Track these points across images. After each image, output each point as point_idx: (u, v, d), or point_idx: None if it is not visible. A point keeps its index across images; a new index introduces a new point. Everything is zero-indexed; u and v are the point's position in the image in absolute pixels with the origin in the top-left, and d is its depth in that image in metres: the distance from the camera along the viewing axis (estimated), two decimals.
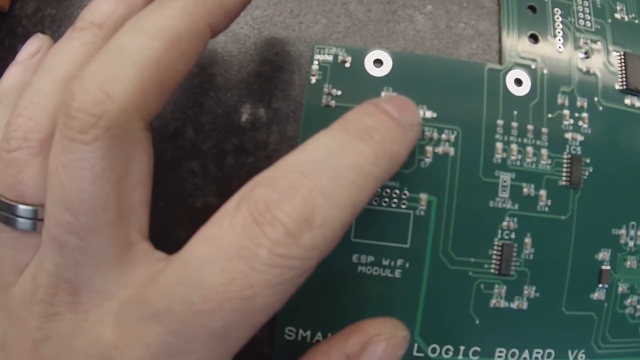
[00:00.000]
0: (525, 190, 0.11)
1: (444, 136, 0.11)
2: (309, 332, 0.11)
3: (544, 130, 0.12)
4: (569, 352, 0.12)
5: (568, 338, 0.12)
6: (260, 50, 0.12)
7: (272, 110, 0.11)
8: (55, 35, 0.13)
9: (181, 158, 0.12)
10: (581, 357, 0.12)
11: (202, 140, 0.12)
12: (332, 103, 0.11)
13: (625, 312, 0.12)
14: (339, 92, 0.11)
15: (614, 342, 0.12)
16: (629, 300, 0.12)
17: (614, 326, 0.12)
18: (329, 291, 0.11)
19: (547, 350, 0.12)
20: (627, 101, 0.12)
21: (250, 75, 0.12)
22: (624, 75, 0.12)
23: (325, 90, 0.11)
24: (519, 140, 0.11)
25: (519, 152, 0.11)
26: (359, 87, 0.11)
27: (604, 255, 0.12)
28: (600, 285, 0.12)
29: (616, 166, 0.12)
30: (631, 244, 0.12)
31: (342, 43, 0.12)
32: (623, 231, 0.12)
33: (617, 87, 0.12)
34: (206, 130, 0.11)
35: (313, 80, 0.11)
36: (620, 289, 0.12)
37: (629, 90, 0.12)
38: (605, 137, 0.12)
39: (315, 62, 0.11)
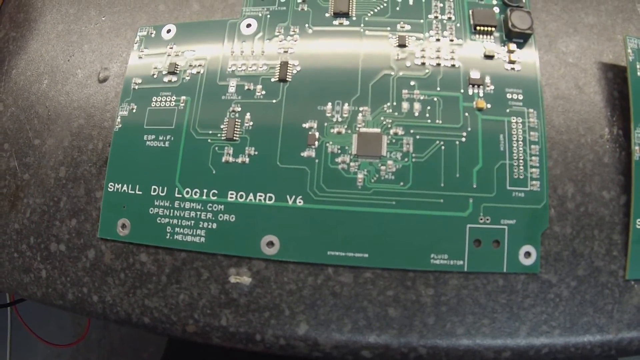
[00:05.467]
0: (246, 87, 0.17)
1: (195, 62, 0.17)
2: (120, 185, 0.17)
3: (264, 51, 0.17)
4: (287, 197, 0.15)
5: (285, 186, 0.16)
6: None
7: None
8: None
9: None
10: (299, 202, 0.15)
11: None
12: None
13: (338, 167, 0.15)
14: None
15: (329, 191, 0.15)
16: (340, 159, 0.16)
17: (329, 178, 0.15)
18: (128, 160, 0.17)
19: (269, 195, 0.16)
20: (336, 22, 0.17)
21: None
22: (332, 4, 0.17)
23: None
24: (245, 59, 0.17)
25: (243, 64, 0.17)
26: None
27: (310, 124, 0.16)
28: (309, 145, 0.16)
29: (320, 65, 0.16)
30: (337, 116, 0.16)
31: None
32: (328, 107, 0.16)
33: (327, 14, 0.17)
34: None
35: None
36: (329, 149, 0.16)
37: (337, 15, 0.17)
38: (314, 48, 0.17)
39: None
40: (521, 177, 0.16)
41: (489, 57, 0.17)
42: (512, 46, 0.17)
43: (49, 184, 0.18)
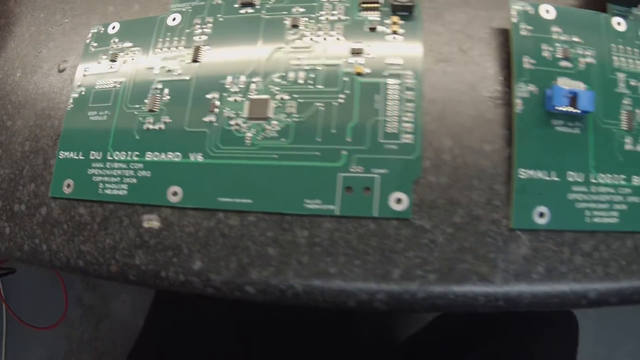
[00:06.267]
0: (167, 68, 0.20)
1: (131, 51, 0.21)
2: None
3: (184, 38, 0.20)
4: (190, 155, 0.18)
5: (189, 145, 0.18)
6: None
7: None
8: None
9: None
10: (200, 158, 0.18)
11: None
12: None
13: (232, 129, 0.18)
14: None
15: (224, 148, 0.18)
16: (234, 121, 0.18)
17: (225, 139, 0.18)
18: (76, 132, 0.20)
19: (177, 153, 0.18)
20: None
21: None
22: None
23: None
24: (169, 46, 0.20)
25: (166, 50, 0.20)
26: None
27: (213, 95, 0.18)
28: (210, 112, 0.18)
29: (226, 46, 0.19)
30: (235, 87, 0.18)
31: None
32: (228, 80, 0.18)
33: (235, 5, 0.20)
34: None
35: None
36: (225, 114, 0.18)
37: None
38: (221, 33, 0.20)
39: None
40: (395, 131, 0.17)
41: (372, 29, 0.19)
42: (395, 18, 0.19)
43: (16, 157, 0.22)
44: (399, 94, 0.18)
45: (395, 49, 0.19)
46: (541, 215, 0.17)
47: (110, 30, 0.22)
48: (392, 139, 0.17)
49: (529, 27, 0.19)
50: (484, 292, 0.17)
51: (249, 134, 0.18)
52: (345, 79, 0.18)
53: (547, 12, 0.20)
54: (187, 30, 0.21)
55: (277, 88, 0.19)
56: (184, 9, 0.21)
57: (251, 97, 0.19)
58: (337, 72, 0.18)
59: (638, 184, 0.19)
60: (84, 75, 0.22)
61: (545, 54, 0.19)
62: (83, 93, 0.21)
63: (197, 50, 0.20)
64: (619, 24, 0.21)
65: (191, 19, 0.21)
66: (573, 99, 0.18)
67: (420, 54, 0.19)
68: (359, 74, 0.18)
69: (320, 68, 0.19)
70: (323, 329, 0.35)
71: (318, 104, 0.18)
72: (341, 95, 0.18)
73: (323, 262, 0.17)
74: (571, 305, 0.17)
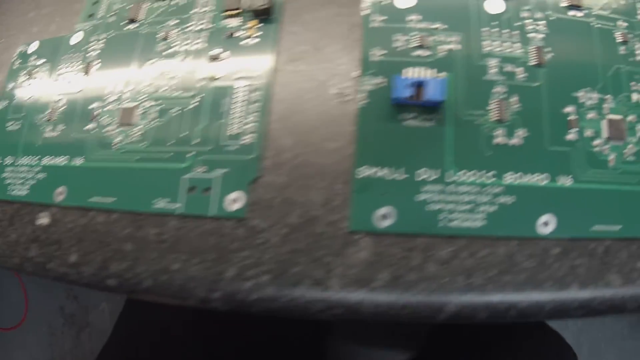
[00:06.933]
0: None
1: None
2: None
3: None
4: (74, 158, 0.20)
5: (74, 150, 0.20)
6: None
7: None
8: None
9: None
10: (81, 161, 0.20)
11: None
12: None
13: (105, 135, 0.19)
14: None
15: (98, 153, 0.19)
16: (109, 129, 0.19)
17: (100, 144, 0.19)
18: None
19: (65, 157, 0.20)
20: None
21: None
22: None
23: None
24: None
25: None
26: None
27: (95, 105, 0.20)
28: (91, 120, 0.20)
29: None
30: (113, 97, 0.20)
31: None
32: (109, 91, 0.20)
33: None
34: None
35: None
36: (102, 122, 0.20)
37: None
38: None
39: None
40: (238, 132, 0.18)
41: (231, 35, 0.20)
42: (253, 23, 0.19)
43: None
44: (246, 96, 0.18)
45: (248, 53, 0.19)
46: (384, 217, 0.17)
47: (30, 49, 0.25)
48: (234, 140, 0.18)
49: (382, 18, 0.19)
50: (320, 298, 0.16)
51: (117, 139, 0.20)
52: (200, 84, 0.19)
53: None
54: (84, 47, 0.23)
55: (144, 96, 0.20)
56: (85, 28, 0.23)
57: (123, 106, 0.20)
58: (194, 78, 0.19)
59: (511, 182, 0.17)
60: (7, 90, 0.25)
61: (398, 43, 0.18)
62: (5, 106, 0.24)
63: (88, 65, 0.22)
64: (494, 5, 0.19)
65: (89, 37, 0.23)
66: (419, 88, 0.17)
67: (272, 56, 0.19)
68: (212, 79, 0.19)
69: (180, 75, 0.20)
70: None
71: (175, 109, 0.19)
72: (195, 100, 0.19)
73: (168, 259, 0.18)
74: (424, 318, 0.16)
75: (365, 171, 0.17)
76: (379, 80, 0.18)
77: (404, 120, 0.18)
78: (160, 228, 0.18)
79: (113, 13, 0.23)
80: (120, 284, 0.19)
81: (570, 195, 0.17)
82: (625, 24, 0.20)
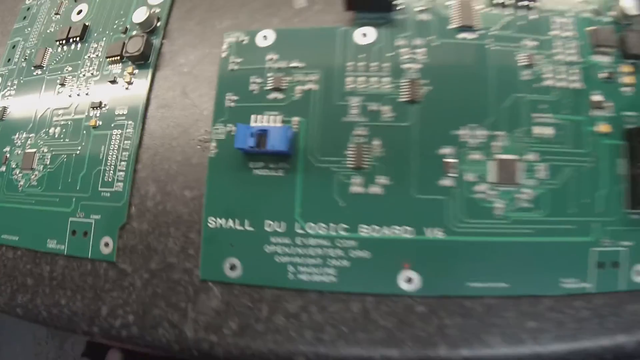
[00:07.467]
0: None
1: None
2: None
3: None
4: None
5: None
6: None
7: None
8: None
9: None
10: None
11: None
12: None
13: (13, 179, 0.21)
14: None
15: (8, 194, 0.21)
16: (14, 172, 0.21)
17: (7, 186, 0.21)
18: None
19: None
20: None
21: None
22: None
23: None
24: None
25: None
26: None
27: (5, 149, 0.22)
28: (3, 163, 0.22)
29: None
30: (19, 142, 0.21)
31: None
32: (17, 135, 0.21)
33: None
34: None
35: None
36: (12, 165, 0.21)
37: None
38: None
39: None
40: (110, 179, 0.19)
41: (113, 81, 0.20)
42: (130, 69, 0.20)
43: None
44: (119, 144, 0.19)
45: (123, 100, 0.20)
46: (232, 267, 0.17)
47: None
48: (107, 187, 0.19)
49: (238, 60, 0.19)
50: (177, 340, 0.17)
51: (21, 182, 0.22)
52: (84, 132, 0.20)
53: (265, 38, 0.19)
54: (1, 92, 0.24)
55: (41, 142, 0.22)
56: (3, 72, 0.25)
57: (25, 151, 0.22)
58: (80, 126, 0.21)
59: (368, 235, 0.16)
60: None
61: (253, 87, 0.18)
62: None
63: (3, 110, 0.24)
64: (364, 35, 0.19)
65: (6, 82, 0.25)
66: (262, 137, 0.17)
67: (142, 103, 0.20)
68: (94, 127, 0.20)
69: (69, 123, 0.21)
70: None
71: (64, 155, 0.21)
72: (79, 147, 0.20)
73: (57, 294, 0.20)
74: None
75: (214, 222, 0.17)
76: (230, 128, 0.18)
77: (255, 169, 0.17)
78: (51, 266, 0.20)
79: (25, 58, 0.24)
80: (25, 314, 0.21)
81: (440, 250, 0.16)
82: (534, 43, 0.18)
